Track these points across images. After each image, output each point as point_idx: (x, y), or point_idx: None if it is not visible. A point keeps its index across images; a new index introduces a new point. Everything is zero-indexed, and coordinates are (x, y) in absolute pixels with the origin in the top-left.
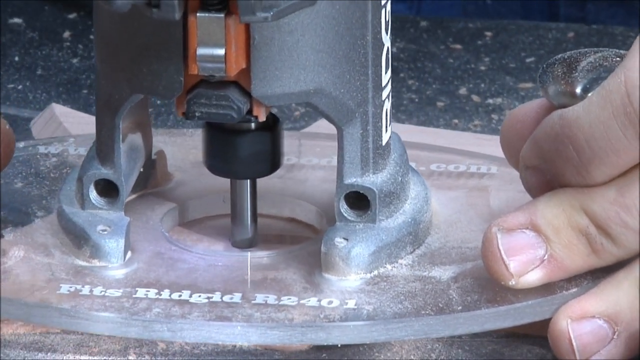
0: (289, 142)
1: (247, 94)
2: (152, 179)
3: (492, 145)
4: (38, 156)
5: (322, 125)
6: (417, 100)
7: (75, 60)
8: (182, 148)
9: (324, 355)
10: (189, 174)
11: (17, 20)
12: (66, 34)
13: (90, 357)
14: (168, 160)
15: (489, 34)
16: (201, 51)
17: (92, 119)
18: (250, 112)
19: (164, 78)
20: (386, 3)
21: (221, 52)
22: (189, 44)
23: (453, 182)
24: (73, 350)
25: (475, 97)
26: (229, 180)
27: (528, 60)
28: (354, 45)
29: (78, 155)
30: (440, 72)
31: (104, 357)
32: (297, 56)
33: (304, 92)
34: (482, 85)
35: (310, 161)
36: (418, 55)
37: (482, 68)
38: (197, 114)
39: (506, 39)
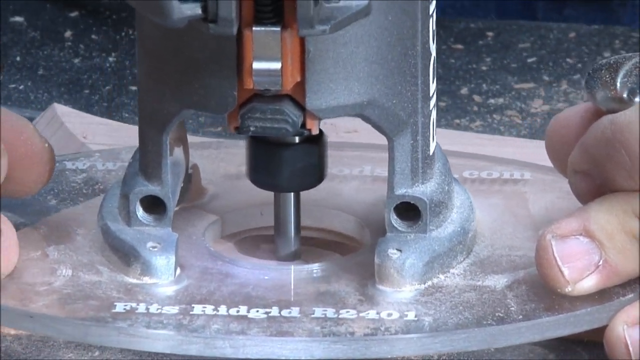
0: None
1: (300, 107)
2: (187, 193)
3: (493, 145)
4: (66, 172)
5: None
6: None
7: (76, 60)
8: (211, 161)
9: None
10: (222, 187)
11: (18, 18)
12: (68, 34)
13: (91, 357)
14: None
15: (490, 34)
16: (257, 65)
17: (94, 119)
18: (303, 125)
19: (217, 93)
20: (434, 12)
21: (277, 66)
22: (244, 58)
23: (488, 188)
24: (74, 350)
25: (476, 97)
26: (263, 192)
27: (529, 60)
28: (405, 55)
29: (106, 171)
30: (442, 72)
31: (105, 357)
32: (351, 68)
33: (358, 104)
34: (484, 85)
35: (342, 171)
36: None
37: (484, 68)
38: (251, 129)
39: (507, 39)
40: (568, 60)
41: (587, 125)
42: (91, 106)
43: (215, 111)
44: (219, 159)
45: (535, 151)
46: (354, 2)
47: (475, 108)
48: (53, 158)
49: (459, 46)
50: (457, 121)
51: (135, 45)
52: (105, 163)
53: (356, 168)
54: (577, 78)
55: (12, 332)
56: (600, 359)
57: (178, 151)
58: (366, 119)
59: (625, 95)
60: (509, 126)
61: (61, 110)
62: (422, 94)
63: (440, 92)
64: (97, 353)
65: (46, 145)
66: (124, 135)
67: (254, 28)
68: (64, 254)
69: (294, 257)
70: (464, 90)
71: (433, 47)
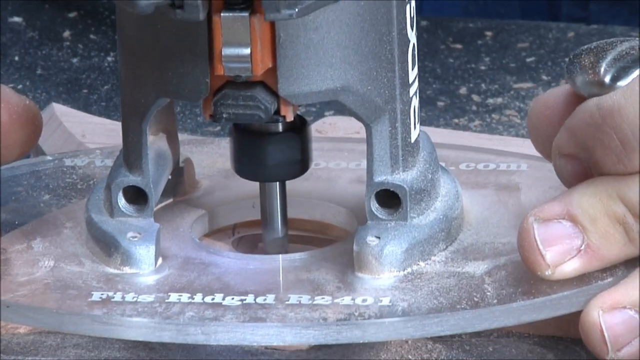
0: (316, 146)
1: (274, 93)
2: (180, 187)
3: (493, 145)
4: (64, 169)
5: (331, 122)
6: None
7: (75, 60)
8: (209, 156)
9: (324, 354)
10: (217, 181)
11: (17, 19)
12: (66, 34)
13: (90, 357)
14: (195, 168)
15: (489, 33)
16: (226, 51)
17: (92, 118)
18: (277, 112)
19: (190, 80)
20: None
21: (247, 51)
22: (214, 44)
23: (483, 179)
24: (72, 350)
25: (475, 97)
26: (257, 186)
27: (528, 60)
28: (379, 41)
29: (105, 167)
30: (441, 72)
31: (103, 357)
32: (323, 53)
33: (331, 90)
34: (483, 85)
35: (339, 165)
36: (418, 54)
37: (483, 68)
38: (224, 115)
39: (506, 38)
40: (567, 60)
41: (570, 108)
42: (90, 105)
43: (189, 99)
44: (218, 155)
45: (534, 151)
46: None
47: (474, 108)
48: (38, 112)
49: (458, 46)
50: (456, 121)
51: (116, 36)
52: (104, 160)
53: (354, 162)
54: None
55: (11, 331)
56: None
57: (163, 143)
58: (342, 105)
59: (607, 80)
60: (508, 126)
61: (60, 109)
62: (400, 81)
63: (438, 92)
64: (95, 352)
65: (27, 102)
66: None
67: (222, 14)
68: (49, 246)
69: (281, 246)
70: (463, 90)
71: (412, 34)
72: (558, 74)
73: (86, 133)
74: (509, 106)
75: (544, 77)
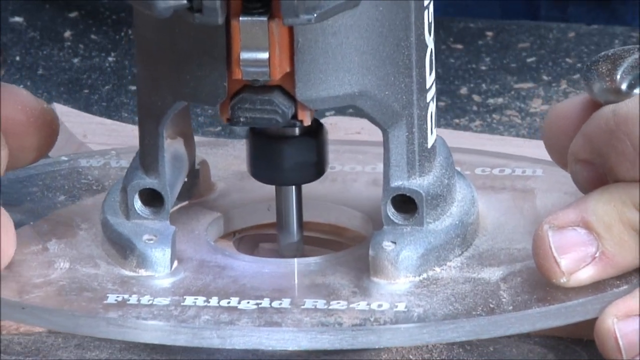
0: (331, 149)
1: (291, 98)
2: (195, 189)
3: (493, 145)
4: (80, 169)
5: (331, 122)
6: None
7: (76, 60)
8: (225, 158)
9: (324, 353)
10: (232, 183)
11: (18, 19)
12: (67, 34)
13: (90, 357)
14: (211, 170)
15: (489, 33)
16: (245, 55)
17: (94, 118)
18: (295, 116)
19: (208, 84)
20: (429, 4)
21: (265, 56)
22: (232, 48)
23: (499, 184)
24: (73, 350)
25: (476, 97)
26: (273, 188)
27: (529, 60)
28: (397, 46)
29: (120, 168)
30: (441, 72)
31: (104, 357)
32: (341, 58)
33: (349, 95)
34: (483, 85)
35: (354, 169)
36: None
37: (483, 68)
38: (241, 119)
39: (507, 38)
40: (567, 60)
41: (586, 116)
42: (90, 106)
43: (206, 102)
44: (233, 157)
45: (535, 151)
46: None
47: (475, 108)
48: (55, 116)
49: (459, 46)
50: (457, 121)
51: (134, 39)
52: (120, 161)
53: (369, 165)
54: (576, 78)
55: (13, 331)
56: (600, 359)
57: (179, 145)
58: (358, 110)
59: (624, 87)
60: (509, 126)
61: (61, 109)
62: (418, 86)
63: (439, 92)
64: (95, 352)
65: (45, 106)
66: (123, 135)
67: (241, 18)
68: (65, 247)
69: (297, 250)
70: (464, 90)
71: (430, 40)
72: (559, 74)
73: (87, 133)
74: (510, 106)
75: (545, 77)
